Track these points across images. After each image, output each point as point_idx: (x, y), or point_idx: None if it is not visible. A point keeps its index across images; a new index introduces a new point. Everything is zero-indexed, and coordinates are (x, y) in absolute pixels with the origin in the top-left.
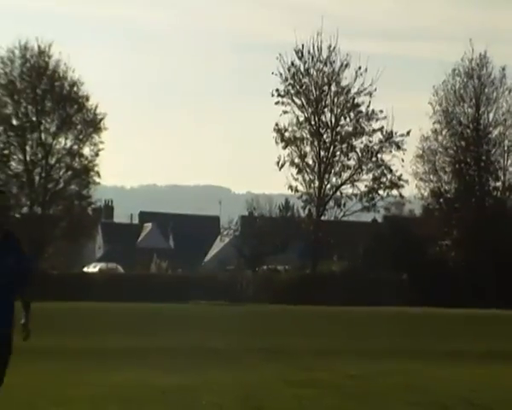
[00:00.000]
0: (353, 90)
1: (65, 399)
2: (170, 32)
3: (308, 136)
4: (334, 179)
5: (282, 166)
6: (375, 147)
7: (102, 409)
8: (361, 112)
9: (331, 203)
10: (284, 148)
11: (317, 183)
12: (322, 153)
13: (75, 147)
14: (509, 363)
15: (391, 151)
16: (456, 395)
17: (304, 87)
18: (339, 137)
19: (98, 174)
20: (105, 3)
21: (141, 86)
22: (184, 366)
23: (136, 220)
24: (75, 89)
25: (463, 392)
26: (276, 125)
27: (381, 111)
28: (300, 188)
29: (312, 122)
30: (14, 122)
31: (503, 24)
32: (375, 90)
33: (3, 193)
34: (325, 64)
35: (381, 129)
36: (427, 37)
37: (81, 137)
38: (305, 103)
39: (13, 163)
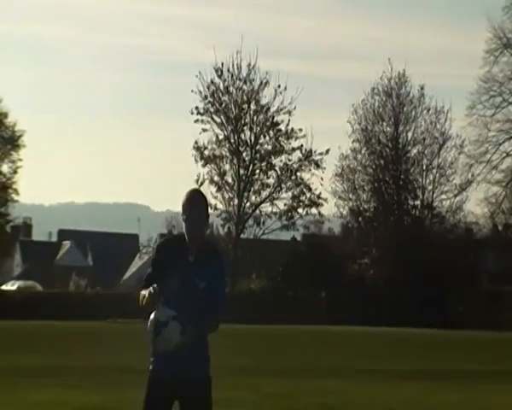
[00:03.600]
0: (273, 109)
1: None
2: (88, 50)
3: (227, 154)
4: (253, 198)
5: (202, 183)
6: (295, 165)
7: None
8: (280, 130)
9: (250, 221)
10: (204, 166)
11: (236, 201)
12: (241, 171)
13: None
14: (428, 382)
15: (310, 170)
16: None
17: (223, 105)
18: (258, 155)
19: (16, 192)
20: (26, 21)
21: (60, 105)
22: (102, 384)
23: (54, 238)
24: None
25: None
26: (196, 143)
27: (301, 130)
28: (220, 206)
29: (232, 140)
30: None
31: (422, 44)
32: (295, 108)
33: (201, 194)
34: (245, 82)
35: (300, 147)
36: (346, 56)
37: None
38: (224, 121)
39: None
